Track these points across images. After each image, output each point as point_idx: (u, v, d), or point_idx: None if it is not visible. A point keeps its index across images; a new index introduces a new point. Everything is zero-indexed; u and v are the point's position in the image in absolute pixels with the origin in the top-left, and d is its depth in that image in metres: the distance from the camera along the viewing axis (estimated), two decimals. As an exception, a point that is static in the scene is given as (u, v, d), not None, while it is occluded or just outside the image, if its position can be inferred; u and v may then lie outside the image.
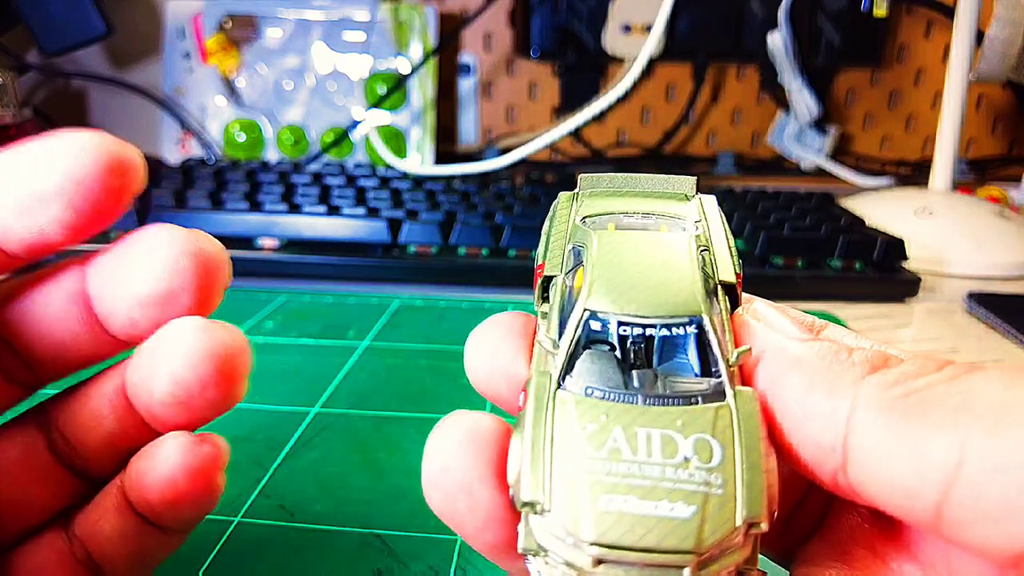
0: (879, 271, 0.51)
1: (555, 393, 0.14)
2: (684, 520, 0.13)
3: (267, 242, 0.53)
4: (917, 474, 0.12)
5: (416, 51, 0.78)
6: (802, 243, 0.51)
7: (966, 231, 0.58)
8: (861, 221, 0.56)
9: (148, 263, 0.16)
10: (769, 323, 0.15)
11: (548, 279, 0.17)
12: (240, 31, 0.79)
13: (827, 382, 0.14)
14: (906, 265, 0.52)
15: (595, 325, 0.15)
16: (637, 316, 0.15)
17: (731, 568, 0.13)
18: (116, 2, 0.77)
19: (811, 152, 0.84)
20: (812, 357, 0.14)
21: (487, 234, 0.51)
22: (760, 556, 0.14)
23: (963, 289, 0.51)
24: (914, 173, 0.84)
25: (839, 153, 0.87)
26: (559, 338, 0.15)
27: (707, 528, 0.13)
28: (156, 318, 0.16)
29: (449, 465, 0.14)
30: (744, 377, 0.15)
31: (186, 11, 0.78)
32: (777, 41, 0.78)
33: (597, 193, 0.19)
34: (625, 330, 0.15)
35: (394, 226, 0.52)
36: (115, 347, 0.17)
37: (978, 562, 0.13)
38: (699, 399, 0.14)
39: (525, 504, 0.13)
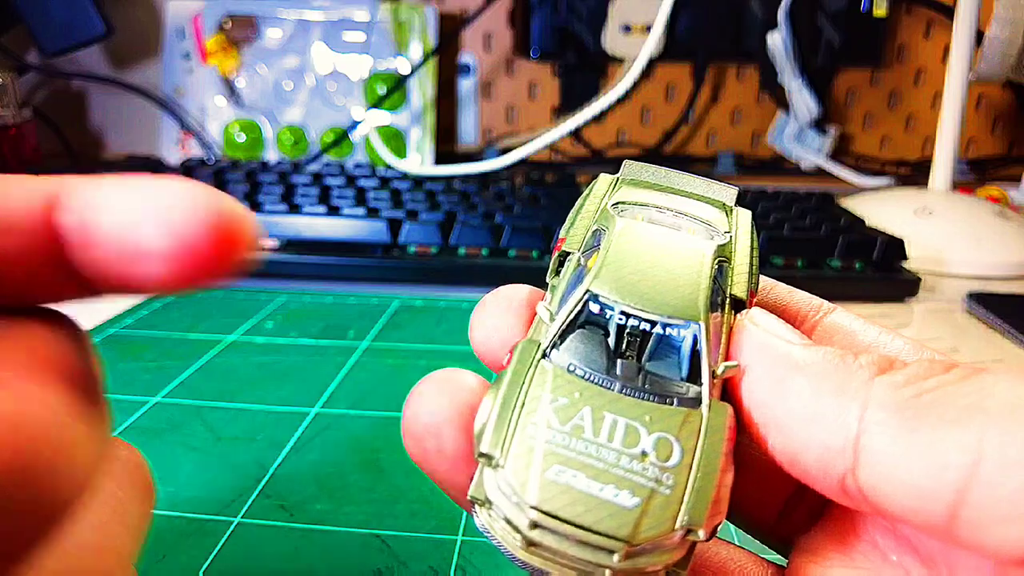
0: (879, 271, 0.51)
1: (538, 361, 0.15)
2: (625, 509, 0.13)
3: (267, 242, 0.53)
4: (933, 473, 0.12)
5: (416, 51, 0.78)
6: (802, 243, 0.51)
7: (966, 231, 0.58)
8: (861, 221, 0.56)
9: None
10: (767, 329, 0.15)
11: (565, 255, 0.17)
12: (240, 31, 0.79)
13: (835, 384, 0.13)
14: (906, 265, 0.52)
15: (595, 308, 0.15)
16: (637, 309, 0.15)
17: (659, 566, 0.13)
18: (116, 2, 0.77)
19: (811, 152, 0.84)
20: (818, 361, 0.14)
21: (487, 234, 0.51)
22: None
23: (963, 289, 0.51)
24: (914, 173, 0.84)
25: (839, 153, 0.87)
26: (557, 312, 0.15)
27: (645, 522, 0.13)
28: None
29: (422, 408, 0.15)
30: (732, 383, 0.15)
31: (186, 11, 0.78)
32: (777, 41, 0.78)
33: (637, 182, 0.19)
34: (622, 319, 0.15)
35: (394, 226, 0.52)
36: None
37: (978, 559, 0.13)
38: (674, 401, 0.14)
39: (482, 455, 0.14)
